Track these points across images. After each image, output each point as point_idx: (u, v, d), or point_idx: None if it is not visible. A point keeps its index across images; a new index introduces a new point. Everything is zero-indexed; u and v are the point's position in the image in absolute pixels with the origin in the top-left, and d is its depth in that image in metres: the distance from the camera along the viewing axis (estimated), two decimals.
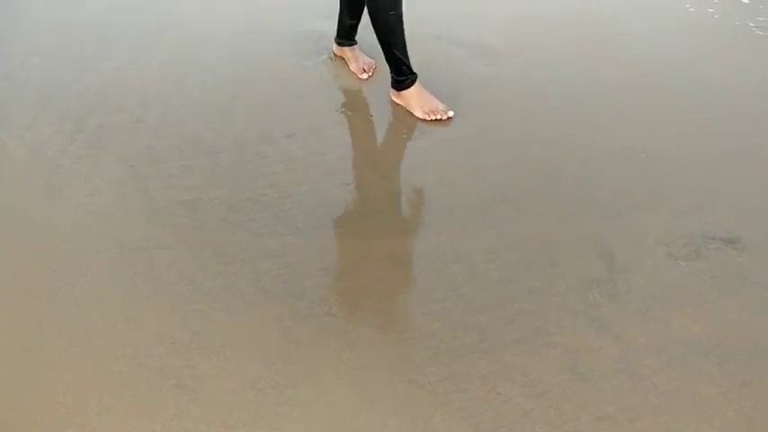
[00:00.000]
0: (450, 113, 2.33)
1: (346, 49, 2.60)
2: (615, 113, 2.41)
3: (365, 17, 2.39)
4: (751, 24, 2.97)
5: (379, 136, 2.30)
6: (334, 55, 2.67)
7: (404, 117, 2.36)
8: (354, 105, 2.42)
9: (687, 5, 3.12)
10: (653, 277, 1.81)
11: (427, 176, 2.16)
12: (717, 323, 1.69)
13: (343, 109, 2.40)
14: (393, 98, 2.41)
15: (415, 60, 2.50)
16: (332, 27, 2.84)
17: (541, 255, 1.87)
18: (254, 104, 2.41)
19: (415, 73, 2.34)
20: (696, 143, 2.28)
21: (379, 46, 2.32)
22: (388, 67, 2.38)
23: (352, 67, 2.57)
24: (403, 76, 2.33)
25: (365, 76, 2.54)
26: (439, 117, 2.32)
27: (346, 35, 2.59)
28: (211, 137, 2.25)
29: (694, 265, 1.84)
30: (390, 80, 2.37)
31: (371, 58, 2.60)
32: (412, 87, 2.34)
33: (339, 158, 2.18)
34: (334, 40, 2.65)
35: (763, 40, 2.85)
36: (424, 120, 2.32)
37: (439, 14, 2.91)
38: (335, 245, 1.88)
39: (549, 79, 2.58)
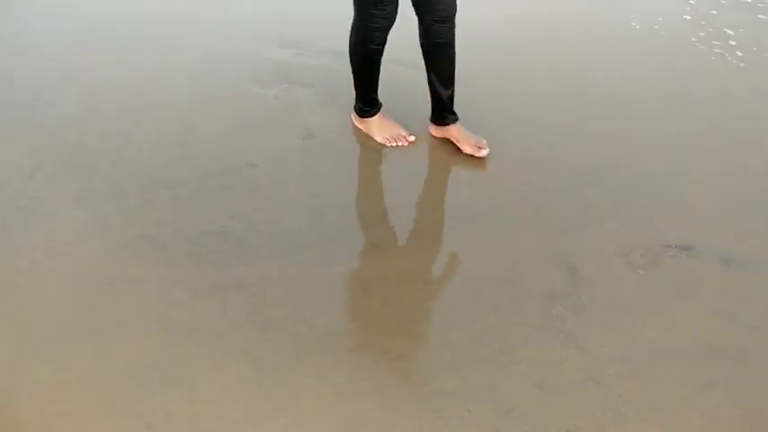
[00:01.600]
0: (412, 138, 2.36)
1: (451, 128, 2.29)
2: (570, 129, 2.48)
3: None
4: (693, 39, 3.10)
5: (342, 161, 2.32)
6: (433, 136, 2.36)
7: (366, 141, 2.39)
8: (316, 132, 2.43)
9: (634, 23, 3.24)
10: (614, 287, 1.86)
11: (391, 199, 2.18)
12: (676, 328, 1.74)
13: (304, 136, 2.41)
14: (354, 122, 2.43)
15: None
16: (290, 55, 2.87)
17: (505, 271, 1.90)
18: (216, 136, 2.41)
19: (380, 103, 2.36)
20: (647, 154, 2.36)
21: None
22: (349, 90, 2.41)
23: (464, 148, 2.27)
24: (368, 106, 2.35)
25: (485, 153, 2.26)
26: (400, 144, 2.35)
27: (446, 110, 2.27)
28: (172, 170, 2.24)
29: (653, 274, 1.90)
30: (354, 104, 2.40)
31: (479, 135, 2.32)
32: (375, 116, 2.37)
33: (302, 186, 2.19)
34: (430, 122, 2.34)
35: (706, 54, 2.98)
36: (385, 145, 2.35)
37: (394, 40, 2.97)
38: (302, 272, 1.88)
39: (506, 99, 2.64)
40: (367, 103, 2.35)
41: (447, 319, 1.78)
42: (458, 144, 2.31)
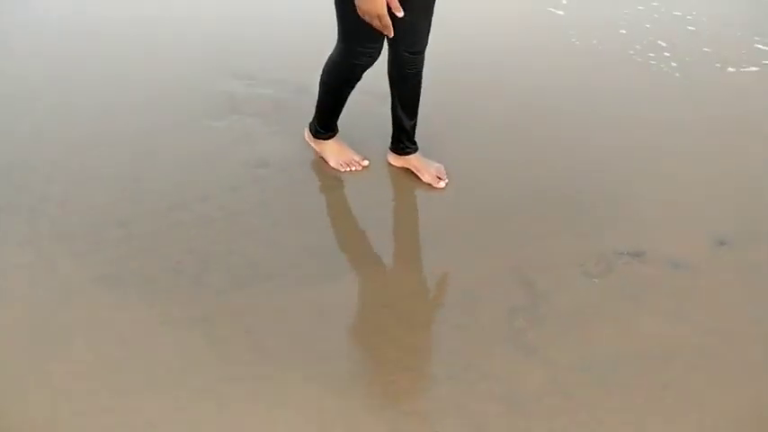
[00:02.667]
0: (365, 163, 2.37)
1: (411, 157, 2.33)
2: (518, 145, 2.54)
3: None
4: (631, 52, 3.23)
5: (296, 189, 2.31)
6: (390, 165, 2.38)
7: (321, 167, 2.39)
8: (269, 162, 2.42)
9: (573, 40, 3.36)
10: (572, 297, 1.89)
11: (346, 224, 2.19)
12: (633, 333, 1.78)
13: (258, 166, 2.40)
14: (307, 140, 2.43)
15: None
16: (241, 86, 2.87)
17: (465, 290, 1.92)
18: (166, 170, 2.38)
19: (336, 130, 2.36)
20: (592, 165, 2.43)
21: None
22: (301, 118, 2.41)
23: (425, 177, 2.30)
24: (326, 130, 2.35)
25: (443, 184, 2.29)
26: (354, 168, 2.36)
27: (408, 137, 2.31)
28: (123, 208, 2.19)
29: (608, 281, 1.94)
30: (310, 123, 2.39)
31: (438, 162, 2.36)
32: (330, 140, 2.36)
33: (257, 216, 2.17)
34: (390, 151, 2.37)
35: (643, 66, 3.11)
36: (338, 170, 2.36)
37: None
38: (260, 303, 1.86)
39: (454, 121, 2.69)
40: (325, 126, 2.35)
41: (410, 341, 1.78)
42: (418, 173, 2.33)
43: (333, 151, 2.37)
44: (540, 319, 1.82)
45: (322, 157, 2.40)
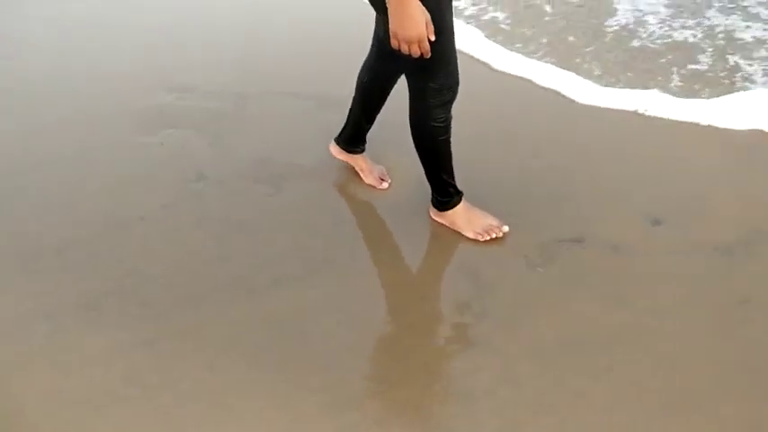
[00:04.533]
0: (506, 228, 2.07)
1: (358, 157, 2.30)
2: (455, 142, 2.56)
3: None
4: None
5: (235, 200, 2.27)
6: (334, 157, 2.34)
7: (258, 177, 2.36)
8: (207, 174, 2.38)
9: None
10: (517, 287, 1.93)
11: (289, 233, 2.14)
12: (579, 318, 1.83)
13: (194, 181, 2.35)
14: (434, 217, 2.13)
15: (265, 117, 2.50)
16: (174, 99, 2.80)
17: (412, 288, 1.94)
18: (100, 192, 2.30)
19: (460, 192, 2.09)
20: (526, 156, 2.43)
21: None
22: (238, 129, 2.38)
23: (368, 178, 2.29)
24: (448, 196, 2.08)
25: (386, 185, 2.28)
26: (494, 235, 2.06)
27: (360, 141, 2.29)
28: (56, 235, 2.11)
29: (551, 269, 1.98)
30: (431, 197, 2.12)
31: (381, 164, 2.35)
32: (458, 206, 2.09)
33: (196, 231, 2.13)
34: (336, 143, 2.31)
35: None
36: (477, 240, 2.06)
37: (279, 71, 2.97)
38: (210, 320, 1.83)
39: (392, 121, 2.68)
40: (444, 192, 2.07)
41: (364, 345, 1.78)
42: (361, 174, 2.32)
43: (464, 219, 2.09)
44: (486, 312, 1.84)
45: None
